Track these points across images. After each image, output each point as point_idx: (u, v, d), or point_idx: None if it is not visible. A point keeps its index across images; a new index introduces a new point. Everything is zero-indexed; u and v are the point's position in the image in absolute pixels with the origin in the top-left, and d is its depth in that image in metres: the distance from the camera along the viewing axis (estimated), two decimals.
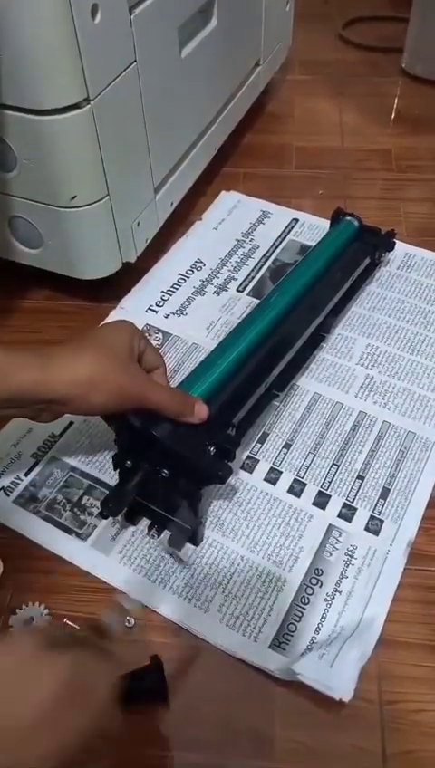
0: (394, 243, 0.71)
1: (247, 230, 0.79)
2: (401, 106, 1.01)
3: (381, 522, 0.52)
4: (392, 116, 0.99)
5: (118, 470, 0.50)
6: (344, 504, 0.53)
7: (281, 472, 0.55)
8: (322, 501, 0.53)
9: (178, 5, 0.63)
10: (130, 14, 0.55)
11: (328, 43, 1.16)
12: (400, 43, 1.06)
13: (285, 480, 0.54)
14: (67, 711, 0.29)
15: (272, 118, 0.99)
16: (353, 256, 0.68)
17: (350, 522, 0.52)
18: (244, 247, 0.76)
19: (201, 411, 0.46)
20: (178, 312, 0.69)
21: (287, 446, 0.57)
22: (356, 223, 0.69)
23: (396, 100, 1.02)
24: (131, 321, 0.67)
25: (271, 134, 0.95)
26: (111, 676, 0.33)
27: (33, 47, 0.48)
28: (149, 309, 0.69)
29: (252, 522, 0.52)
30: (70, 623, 0.47)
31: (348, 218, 0.70)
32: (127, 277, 0.70)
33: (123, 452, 0.48)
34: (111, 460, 0.55)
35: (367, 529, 0.51)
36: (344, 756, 0.42)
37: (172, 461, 0.45)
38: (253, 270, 0.74)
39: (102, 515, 0.48)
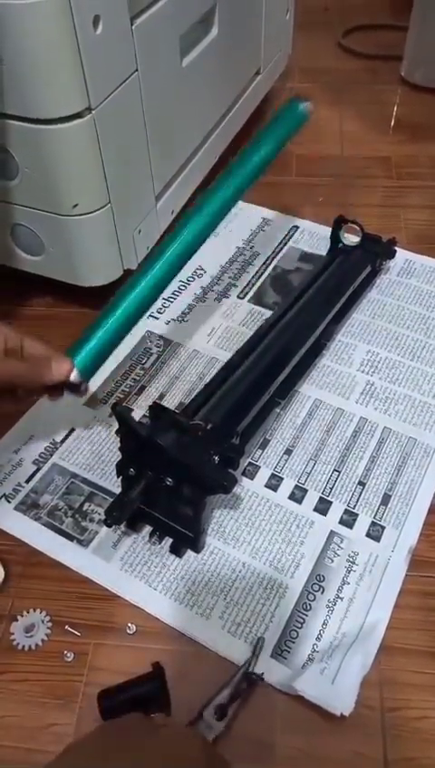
0: (395, 251, 0.71)
1: (248, 237, 0.79)
2: (400, 114, 1.02)
3: (383, 528, 0.52)
4: (392, 124, 0.99)
5: (121, 477, 0.50)
6: (346, 510, 0.53)
7: (282, 478, 0.55)
8: (323, 507, 0.53)
9: (179, 15, 0.63)
10: (132, 25, 0.55)
11: (328, 51, 1.16)
12: (399, 52, 1.07)
13: (287, 486, 0.55)
14: None
15: None
16: (355, 264, 0.68)
17: (351, 528, 0.52)
18: (244, 254, 0.77)
19: (61, 367, 0.46)
20: (180, 319, 0.69)
21: (288, 452, 0.57)
22: (301, 107, 0.60)
23: (396, 108, 1.03)
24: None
25: None
26: None
27: (35, 57, 0.49)
28: (150, 316, 0.70)
29: (253, 528, 0.52)
30: (72, 630, 0.47)
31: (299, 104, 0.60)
32: None
33: (127, 460, 0.48)
34: (112, 467, 0.56)
35: (368, 535, 0.51)
36: (345, 763, 0.42)
37: (177, 470, 0.46)
38: (253, 277, 0.74)
39: (106, 523, 0.48)
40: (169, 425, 0.46)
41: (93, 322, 0.52)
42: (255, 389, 0.54)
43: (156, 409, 0.49)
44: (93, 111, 0.53)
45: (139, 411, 0.60)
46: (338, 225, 0.71)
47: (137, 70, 0.58)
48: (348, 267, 0.68)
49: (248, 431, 0.53)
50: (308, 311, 0.62)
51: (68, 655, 0.46)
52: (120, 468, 0.50)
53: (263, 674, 0.44)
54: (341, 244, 0.71)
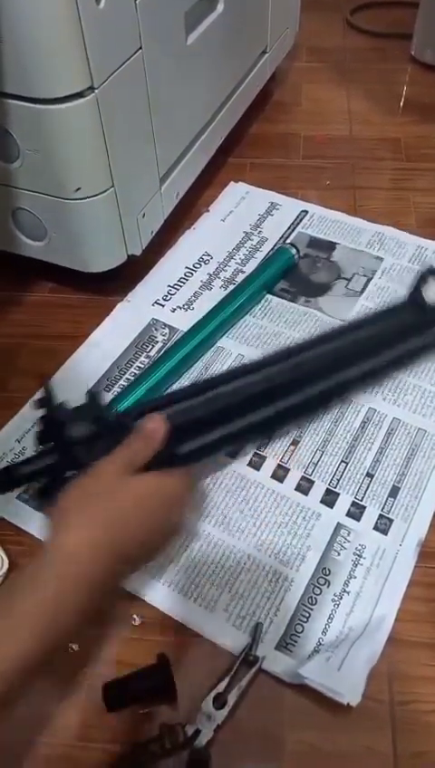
0: None
1: (256, 222, 0.77)
2: (410, 94, 0.99)
3: (391, 521, 0.51)
4: (401, 104, 0.97)
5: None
6: (353, 502, 0.52)
7: (288, 469, 0.54)
8: (330, 499, 0.52)
9: None
10: (136, 0, 0.53)
11: (336, 29, 1.14)
12: (409, 30, 1.04)
13: (293, 477, 0.54)
14: (158, 512, 0.39)
15: (279, 106, 0.97)
16: (403, 330, 0.52)
17: (358, 520, 0.51)
18: (252, 240, 0.75)
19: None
20: (186, 307, 0.68)
21: (295, 442, 0.56)
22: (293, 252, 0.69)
23: (405, 88, 1.00)
24: (138, 314, 0.67)
25: (278, 123, 0.94)
26: (184, 486, 0.41)
27: (36, 34, 0.47)
28: (155, 303, 0.68)
29: (259, 520, 0.51)
30: None
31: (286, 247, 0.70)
32: (133, 270, 0.69)
33: (46, 433, 0.44)
34: None
35: (376, 528, 0.50)
36: (355, 757, 0.41)
37: (79, 467, 0.42)
38: (262, 263, 0.72)
39: None
40: (92, 417, 0.43)
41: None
42: (211, 421, 0.47)
43: (91, 396, 0.44)
44: (96, 91, 0.52)
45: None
46: (424, 278, 0.53)
47: (141, 47, 0.56)
48: (392, 329, 0.52)
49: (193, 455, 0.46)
50: (334, 356, 0.50)
51: (73, 646, 0.46)
52: (39, 437, 0.44)
53: (264, 657, 0.44)
54: (423, 302, 0.52)
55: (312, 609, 0.47)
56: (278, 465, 0.55)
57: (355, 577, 0.48)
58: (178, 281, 0.71)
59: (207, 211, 0.79)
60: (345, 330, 0.53)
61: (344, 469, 0.54)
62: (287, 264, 0.70)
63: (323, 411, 0.57)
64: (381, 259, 0.71)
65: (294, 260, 0.70)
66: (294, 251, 0.70)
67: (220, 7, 0.69)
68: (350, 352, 0.51)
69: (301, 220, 0.77)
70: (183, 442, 0.46)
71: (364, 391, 0.58)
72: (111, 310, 0.68)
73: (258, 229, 0.76)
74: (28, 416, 0.59)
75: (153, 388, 0.58)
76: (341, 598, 0.47)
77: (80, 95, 0.51)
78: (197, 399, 0.49)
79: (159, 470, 0.41)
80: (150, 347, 0.64)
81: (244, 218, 0.78)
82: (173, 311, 0.68)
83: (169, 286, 0.70)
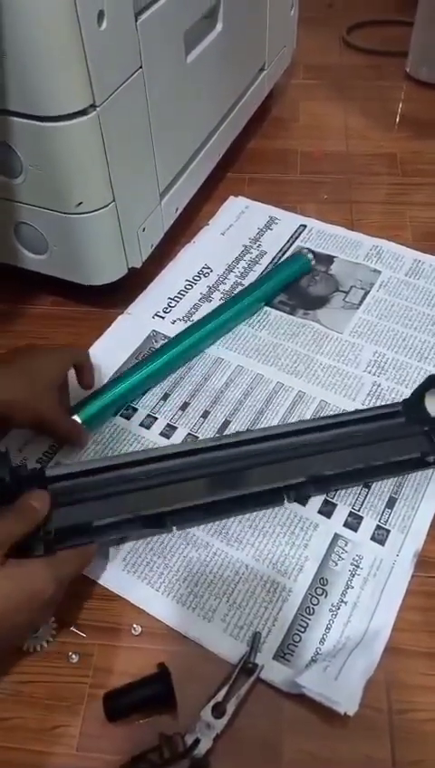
0: None
1: (255, 236, 0.78)
2: (405, 110, 1.01)
3: (388, 531, 0.51)
4: (397, 120, 0.99)
5: None
6: (350, 512, 0.53)
7: None
8: (327, 510, 0.53)
9: (183, 11, 0.62)
10: (136, 21, 0.55)
11: (332, 47, 1.16)
12: (404, 47, 1.06)
13: None
14: (14, 612, 0.39)
15: (276, 122, 0.99)
16: (404, 443, 0.53)
17: (356, 531, 0.51)
18: (251, 253, 0.76)
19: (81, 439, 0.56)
20: (185, 319, 0.69)
21: None
22: (310, 257, 0.70)
23: (400, 105, 1.02)
24: (138, 326, 0.68)
25: (276, 139, 0.95)
26: (43, 578, 0.41)
27: (39, 53, 0.48)
28: (155, 315, 0.69)
29: (257, 530, 0.52)
30: (77, 631, 0.47)
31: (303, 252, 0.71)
32: (133, 283, 0.70)
33: None
34: None
35: (373, 539, 0.51)
36: (353, 766, 0.42)
37: None
38: (261, 276, 0.73)
39: None
40: None
41: (103, 386, 0.60)
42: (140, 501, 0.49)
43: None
44: (98, 109, 0.53)
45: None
46: (430, 384, 0.53)
47: (141, 67, 0.57)
48: (398, 438, 0.53)
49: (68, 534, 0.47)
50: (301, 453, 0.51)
51: (73, 656, 0.46)
52: None
53: (262, 665, 0.44)
54: (424, 412, 0.53)
55: (309, 619, 0.47)
56: None
57: (353, 587, 0.48)
58: (178, 293, 0.72)
59: (207, 225, 0.80)
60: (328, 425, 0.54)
61: None
62: (303, 268, 0.71)
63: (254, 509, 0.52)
64: (379, 272, 0.73)
65: (310, 265, 0.71)
66: (311, 256, 0.71)
67: (219, 26, 0.71)
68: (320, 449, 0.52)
69: (299, 234, 0.78)
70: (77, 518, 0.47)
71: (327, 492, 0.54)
72: (112, 322, 0.69)
73: (257, 243, 0.78)
74: None
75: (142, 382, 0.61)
76: (338, 608, 0.47)
77: (82, 113, 0.52)
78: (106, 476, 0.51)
79: (30, 552, 0.43)
80: None
81: (243, 232, 0.79)
82: (173, 322, 0.68)
83: (169, 298, 0.71)
